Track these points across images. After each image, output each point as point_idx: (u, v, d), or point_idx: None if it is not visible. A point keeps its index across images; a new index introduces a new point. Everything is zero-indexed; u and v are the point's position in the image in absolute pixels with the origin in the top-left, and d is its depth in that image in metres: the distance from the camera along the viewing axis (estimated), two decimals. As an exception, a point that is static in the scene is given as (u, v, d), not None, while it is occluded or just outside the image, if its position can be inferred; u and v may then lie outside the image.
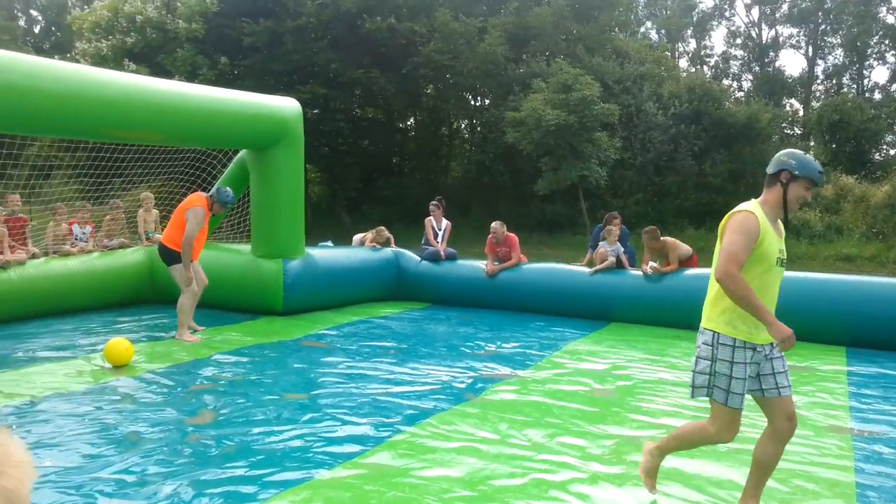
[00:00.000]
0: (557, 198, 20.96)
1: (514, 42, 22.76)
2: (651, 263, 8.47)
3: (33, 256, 8.34)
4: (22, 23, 43.69)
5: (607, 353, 6.92)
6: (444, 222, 10.22)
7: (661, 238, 8.50)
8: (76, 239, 9.28)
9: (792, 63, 70.11)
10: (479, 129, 25.65)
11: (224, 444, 4.30)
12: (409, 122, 27.89)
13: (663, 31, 36.90)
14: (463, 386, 5.64)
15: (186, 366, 6.20)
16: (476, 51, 21.50)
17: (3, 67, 5.75)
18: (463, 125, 27.65)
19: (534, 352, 6.95)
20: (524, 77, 22.20)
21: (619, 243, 8.87)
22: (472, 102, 25.75)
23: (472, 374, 6.04)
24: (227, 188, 7.59)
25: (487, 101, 25.19)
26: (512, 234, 9.44)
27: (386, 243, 10.35)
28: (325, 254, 9.31)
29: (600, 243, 9.02)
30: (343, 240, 10.31)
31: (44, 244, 9.01)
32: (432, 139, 26.46)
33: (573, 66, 20.25)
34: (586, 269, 8.94)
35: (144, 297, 9.28)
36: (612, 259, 8.72)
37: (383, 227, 10.61)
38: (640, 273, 8.56)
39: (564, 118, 17.97)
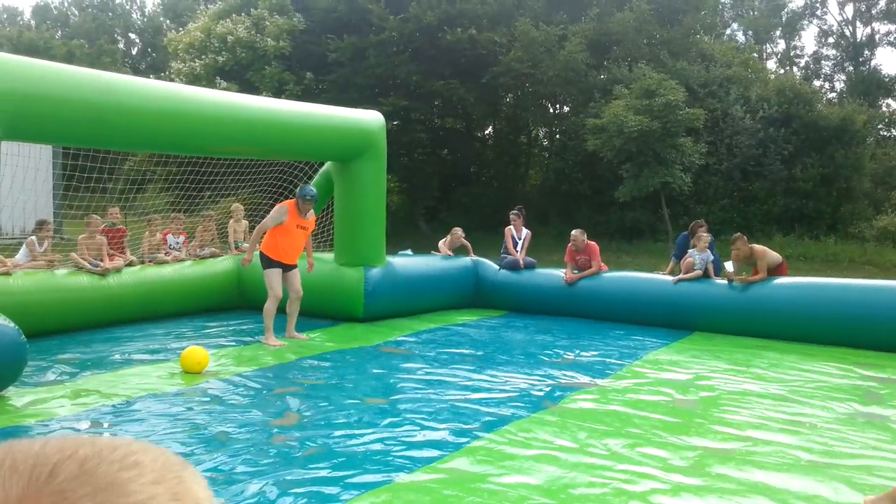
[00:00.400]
0: (638, 205, 20.56)
1: (595, 48, 22.53)
2: (728, 264, 8.23)
3: (130, 264, 8.79)
4: (121, 45, 46.27)
5: (690, 363, 6.74)
6: (525, 231, 10.19)
7: (750, 245, 8.23)
8: (170, 248, 9.73)
9: (889, 61, 66.62)
10: (558, 136, 25.48)
11: (307, 446, 4.42)
12: (487, 131, 27.98)
13: (750, 33, 35.72)
14: (541, 394, 5.61)
15: (272, 369, 6.40)
16: (556, 58, 21.38)
17: (110, 88, 6.10)
18: (542, 133, 27.52)
19: (613, 360, 6.84)
20: (605, 83, 21.92)
21: (708, 251, 8.62)
22: (552, 110, 25.61)
23: (551, 382, 6.00)
24: (307, 185, 7.76)
25: (567, 109, 25.00)
26: (592, 242, 9.33)
27: (462, 250, 10.34)
28: (405, 262, 9.45)
29: (689, 251, 8.78)
30: (422, 248, 10.42)
31: (140, 252, 9.49)
32: (511, 147, 26.44)
33: (657, 70, 19.86)
34: (669, 278, 8.73)
35: (232, 303, 9.63)
36: (698, 271, 8.47)
37: (458, 230, 10.56)
38: (724, 282, 8.31)
39: (647, 124, 17.63)
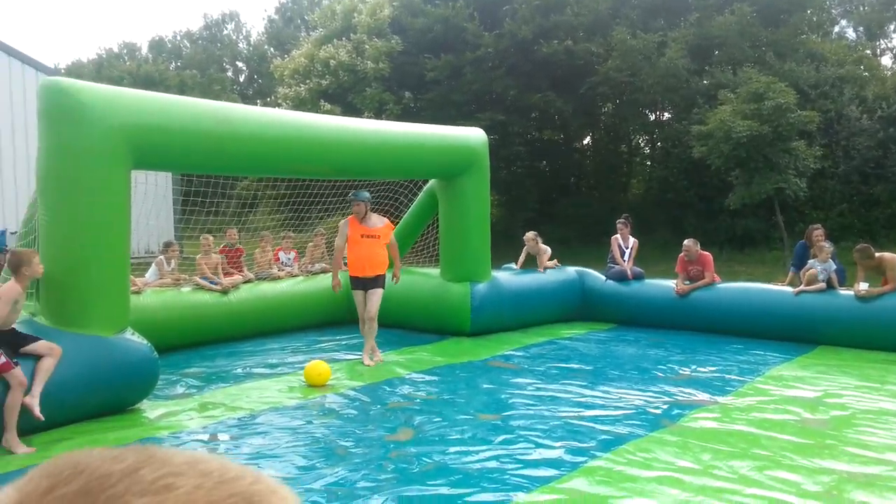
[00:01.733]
0: (749, 212, 19.68)
1: (695, 54, 21.84)
2: (862, 284, 7.70)
3: (247, 281, 9.18)
4: (229, 73, 48.69)
5: (817, 380, 6.37)
6: (631, 240, 9.96)
7: (877, 255, 7.73)
8: (283, 265, 10.10)
9: None
10: (659, 144, 24.84)
11: (424, 462, 4.45)
12: (585, 141, 27.61)
13: (861, 29, 33.67)
14: (658, 412, 5.44)
15: (384, 384, 6.51)
16: (656, 66, 20.87)
17: (227, 118, 6.41)
18: (642, 141, 26.89)
19: (733, 377, 6.55)
20: (709, 89, 21.18)
21: (830, 261, 8.14)
22: (652, 118, 25.00)
23: (668, 399, 5.81)
24: (359, 191, 7.57)
25: (669, 116, 24.35)
26: (706, 252, 9.01)
27: (534, 259, 9.97)
28: (510, 276, 9.42)
29: (810, 261, 8.33)
30: (527, 263, 10.35)
31: (255, 269, 9.90)
32: (611, 157, 25.95)
33: (763, 73, 19.04)
34: (789, 289, 8.31)
35: (341, 318, 9.86)
36: (821, 283, 8.01)
37: (530, 233, 10.19)
38: (850, 292, 7.83)
39: (757, 128, 16.89)
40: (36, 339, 5.10)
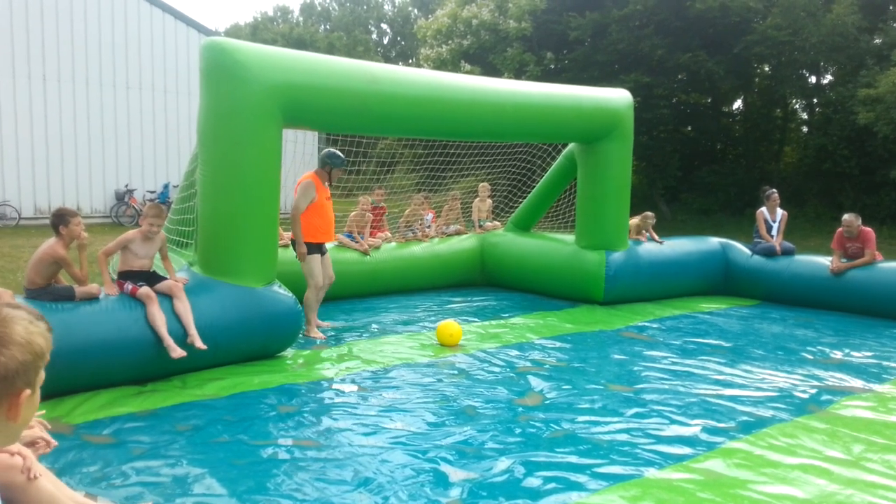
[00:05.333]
0: (918, 186, 17.95)
1: (868, 9, 19.88)
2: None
3: (387, 241, 9.44)
4: (374, 35, 49.74)
5: None
6: (780, 212, 9.33)
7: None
8: (422, 226, 10.24)
9: None
10: (819, 109, 22.93)
11: (552, 428, 4.44)
12: (736, 106, 25.99)
13: None
14: (805, 396, 5.12)
15: (513, 347, 6.52)
16: (821, 23, 19.19)
17: (374, 78, 6.51)
18: (800, 106, 24.94)
19: (892, 364, 6.04)
20: (881, 48, 19.27)
21: None
22: (813, 80, 23.09)
23: (816, 383, 5.44)
24: (331, 149, 7.13)
25: (832, 79, 22.40)
26: (868, 229, 8.28)
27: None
28: (648, 246, 9.11)
29: None
30: (662, 231, 9.95)
31: (397, 227, 10.11)
32: (763, 122, 24.27)
33: (948, 30, 17.10)
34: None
35: (475, 280, 9.97)
36: None
37: (650, 214, 9.69)
38: None
39: (935, 93, 15.29)
40: (163, 278, 5.54)
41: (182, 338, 5.25)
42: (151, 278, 5.50)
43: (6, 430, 1.33)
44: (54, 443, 2.74)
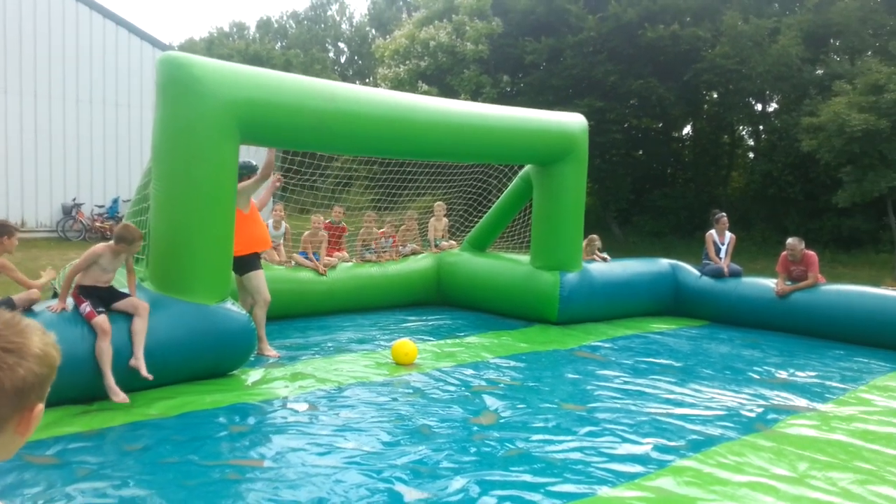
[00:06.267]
0: (858, 211, 18.59)
1: (811, 41, 20.69)
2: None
3: (344, 261, 9.39)
4: (331, 54, 49.70)
5: (929, 394, 5.98)
6: (728, 235, 9.59)
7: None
8: (381, 248, 10.15)
9: None
10: (764, 136, 23.70)
11: (507, 447, 4.46)
12: (685, 131, 26.70)
13: None
14: (752, 415, 5.24)
15: (468, 366, 6.54)
16: (767, 53, 19.90)
17: (333, 97, 6.51)
18: (746, 132, 25.75)
19: (834, 384, 6.23)
20: (822, 79, 20.06)
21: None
22: (759, 108, 23.88)
23: (763, 402, 5.59)
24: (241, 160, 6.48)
25: (777, 107, 23.19)
26: (811, 252, 8.57)
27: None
28: (601, 267, 9.26)
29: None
30: (615, 253, 10.11)
31: (354, 247, 10.05)
32: (712, 148, 24.99)
33: (886, 64, 17.86)
34: (901, 295, 7.82)
35: (431, 299, 9.98)
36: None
37: (595, 237, 9.95)
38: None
39: (874, 123, 15.90)
40: (125, 296, 5.38)
41: (129, 357, 5.12)
42: (112, 297, 5.33)
43: (12, 444, 1.26)
44: None
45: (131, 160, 19.78)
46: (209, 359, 5.72)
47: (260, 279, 6.73)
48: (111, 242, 5.36)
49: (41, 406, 1.27)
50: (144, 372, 5.11)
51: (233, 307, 5.98)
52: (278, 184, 7.61)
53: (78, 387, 4.96)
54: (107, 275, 5.36)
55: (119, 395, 4.94)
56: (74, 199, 18.85)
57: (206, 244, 5.80)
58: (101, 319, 5.04)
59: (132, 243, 5.35)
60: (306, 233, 9.07)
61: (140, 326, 5.21)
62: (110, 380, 4.95)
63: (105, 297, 5.28)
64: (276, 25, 52.97)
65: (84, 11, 19.08)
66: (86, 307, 5.10)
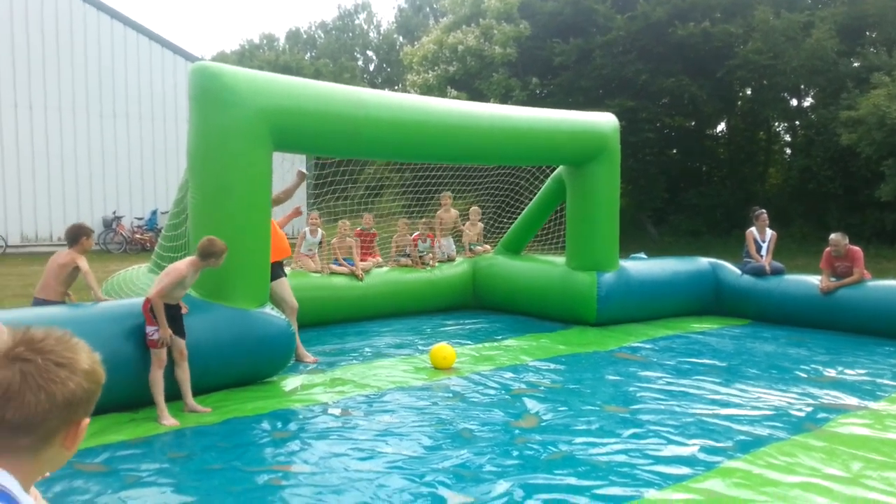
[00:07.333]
0: (902, 205, 18.15)
1: (846, 34, 20.26)
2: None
3: (378, 266, 9.40)
4: (360, 62, 50.05)
5: None
6: (769, 232, 9.40)
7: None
8: (420, 253, 10.11)
9: None
10: (801, 131, 23.25)
11: (550, 450, 4.40)
12: (719, 129, 26.32)
13: None
14: (802, 414, 5.11)
15: (507, 369, 6.49)
16: (801, 47, 19.53)
17: (363, 103, 6.55)
18: (782, 128, 25.27)
19: (886, 381, 6.06)
20: (859, 72, 19.62)
21: None
22: (794, 103, 23.43)
23: (811, 401, 5.45)
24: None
25: (813, 101, 22.74)
26: (855, 248, 8.36)
27: None
28: (639, 266, 9.14)
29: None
30: (651, 253, 9.96)
31: (391, 254, 10.06)
32: (747, 145, 24.58)
33: (925, 53, 17.45)
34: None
35: (467, 303, 9.95)
36: None
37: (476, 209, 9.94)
38: None
39: (915, 114, 15.54)
40: (183, 333, 5.24)
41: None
42: (178, 315, 5.22)
43: (59, 457, 1.32)
44: None
45: (168, 172, 20.11)
46: (251, 362, 5.77)
47: (284, 287, 6.77)
48: (194, 258, 5.22)
49: (87, 421, 1.30)
50: (202, 410, 5.17)
51: (272, 312, 6.02)
52: (298, 215, 7.73)
53: (125, 393, 4.99)
54: (183, 291, 5.30)
55: (169, 420, 4.95)
56: (115, 213, 19.21)
57: (244, 250, 5.84)
58: (161, 352, 5.04)
59: (220, 256, 5.24)
60: (334, 239, 9.11)
61: (183, 376, 5.20)
62: (162, 405, 4.99)
63: (175, 316, 5.19)
64: (304, 36, 53.54)
65: (118, 28, 19.48)
66: (153, 333, 5.03)
